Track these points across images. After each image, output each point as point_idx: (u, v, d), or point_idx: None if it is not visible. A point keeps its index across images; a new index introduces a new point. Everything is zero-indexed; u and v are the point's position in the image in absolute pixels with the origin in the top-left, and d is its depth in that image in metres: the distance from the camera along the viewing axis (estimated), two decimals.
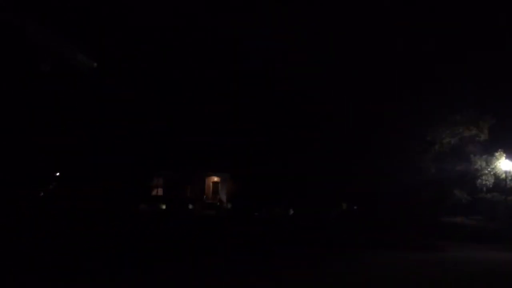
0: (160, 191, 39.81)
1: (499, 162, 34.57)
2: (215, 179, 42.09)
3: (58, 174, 34.76)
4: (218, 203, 40.64)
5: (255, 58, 34.93)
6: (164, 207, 36.63)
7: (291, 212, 38.79)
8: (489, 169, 35.23)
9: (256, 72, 35.79)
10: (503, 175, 34.08)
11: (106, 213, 30.18)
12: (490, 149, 35.45)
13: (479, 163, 35.45)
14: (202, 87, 36.28)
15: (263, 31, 32.69)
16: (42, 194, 32.91)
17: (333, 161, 35.96)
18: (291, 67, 34.65)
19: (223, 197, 40.93)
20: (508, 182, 33.69)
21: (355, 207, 40.79)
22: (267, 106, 36.13)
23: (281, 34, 32.79)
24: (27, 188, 30.38)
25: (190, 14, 33.12)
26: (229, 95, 36.58)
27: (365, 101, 34.96)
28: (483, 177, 35.26)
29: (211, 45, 34.83)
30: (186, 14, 32.94)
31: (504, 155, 34.30)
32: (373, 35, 34.38)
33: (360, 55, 34.63)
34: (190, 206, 37.81)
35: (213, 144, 37.00)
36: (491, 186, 35.13)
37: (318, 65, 33.83)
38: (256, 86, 36.03)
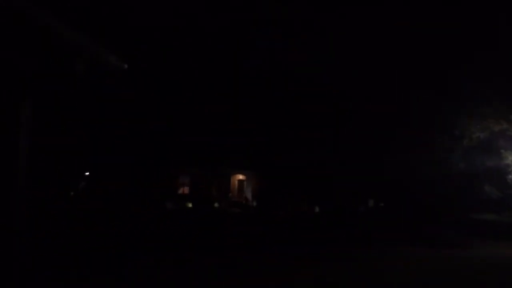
0: (186, 190, 40.26)
1: None
2: (241, 177, 42.26)
3: (87, 173, 35.69)
4: (244, 201, 40.79)
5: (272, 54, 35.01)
6: (190, 205, 36.96)
7: (317, 209, 38.63)
8: None
9: (280, 69, 35.89)
10: None
11: (133, 211, 30.76)
12: None
13: (510, 158, 34.52)
14: (224, 87, 36.59)
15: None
16: (72, 193, 33.81)
17: (359, 157, 35.74)
18: (310, 61, 34.52)
19: (249, 195, 41.08)
20: None
21: (381, 204, 40.37)
22: (291, 104, 36.11)
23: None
24: (58, 188, 31.23)
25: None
26: (251, 94, 36.78)
27: (391, 94, 34.54)
28: None
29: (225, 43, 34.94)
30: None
31: None
32: (396, 21, 33.78)
33: (384, 44, 34.17)
34: (216, 204, 38.07)
35: (239, 142, 37.24)
36: None
37: (340, 58, 33.58)
38: (279, 83, 36.07)
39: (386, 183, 37.15)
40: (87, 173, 36.31)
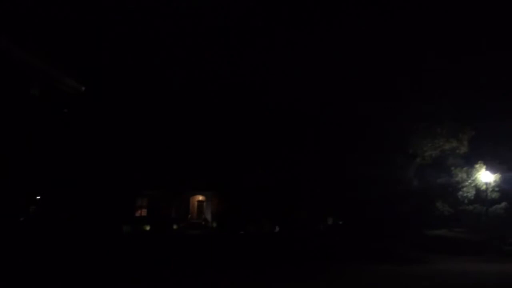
0: (144, 212, 39.19)
1: (479, 174, 35.08)
2: (200, 198, 41.64)
3: (38, 197, 34.00)
4: (203, 222, 40.18)
5: (240, 70, 35.34)
6: (148, 228, 35.99)
7: (277, 229, 38.60)
8: (469, 181, 35.75)
9: (240, 83, 36.13)
10: (484, 187, 34.53)
11: (87, 236, 29.58)
12: (470, 161, 36.04)
13: (460, 175, 36.02)
14: (184, 103, 36.32)
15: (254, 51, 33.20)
16: (22, 218, 32.05)
17: (318, 176, 36.21)
18: (276, 80, 35.11)
19: (208, 216, 40.49)
20: (489, 193, 34.17)
21: (340, 222, 40.88)
22: (249, 124, 36.28)
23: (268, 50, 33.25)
24: (6, 213, 29.60)
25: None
26: (210, 114, 36.73)
27: (348, 115, 35.48)
28: (464, 189, 35.78)
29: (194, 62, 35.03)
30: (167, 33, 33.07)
31: (484, 166, 34.81)
32: (358, 56, 35.11)
33: (345, 73, 35.28)
34: (175, 226, 37.27)
35: (198, 162, 36.91)
36: (472, 198, 35.60)
37: (306, 80, 34.32)
38: (238, 103, 36.24)
39: (344, 201, 37.76)
40: (38, 197, 34.62)
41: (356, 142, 36.45)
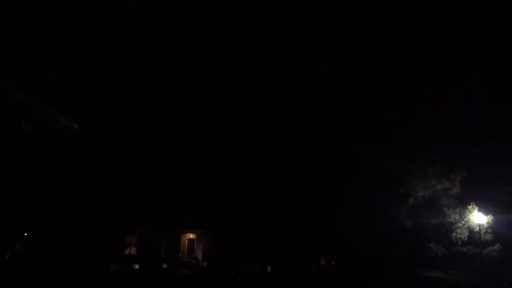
0: (133, 250, 38.36)
1: (472, 215, 34.91)
2: (191, 236, 40.94)
3: (26, 234, 33.42)
4: (194, 261, 39.34)
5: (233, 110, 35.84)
6: (137, 267, 35.16)
7: (269, 269, 37.89)
8: (462, 222, 35.52)
9: (233, 123, 36.52)
10: (477, 228, 34.22)
11: (74, 274, 28.86)
12: (463, 202, 35.98)
13: (453, 216, 35.84)
14: (175, 142, 36.48)
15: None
16: (8, 256, 31.34)
17: (312, 216, 35.94)
18: (269, 120, 35.54)
19: (199, 255, 39.68)
20: (482, 235, 33.91)
21: (333, 262, 40.26)
22: (241, 164, 36.34)
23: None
24: None
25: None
26: (203, 149, 36.85)
27: (342, 155, 35.66)
28: (458, 230, 35.52)
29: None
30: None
31: (477, 208, 34.71)
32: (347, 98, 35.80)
33: (338, 113, 35.78)
34: (164, 265, 36.45)
35: (188, 200, 36.65)
36: (465, 239, 35.31)
37: (300, 120, 34.75)
38: (230, 142, 36.46)
39: (337, 241, 37.35)
40: (25, 234, 34.00)
41: (348, 182, 36.43)
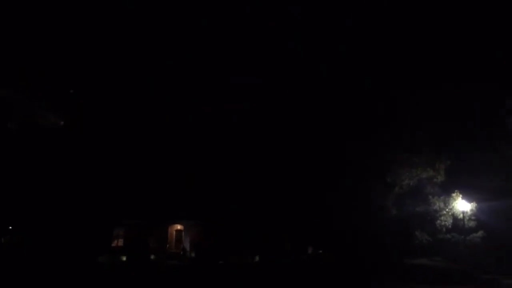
0: (121, 242, 38.13)
1: (456, 203, 35.64)
2: (179, 227, 40.81)
3: (11, 227, 33.03)
4: (182, 252, 39.27)
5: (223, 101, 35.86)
6: (124, 258, 34.98)
7: (257, 258, 38.05)
8: (447, 210, 36.26)
9: (223, 114, 36.50)
10: (461, 215, 35.01)
11: (61, 266, 28.61)
12: (447, 190, 36.59)
13: (438, 204, 36.49)
14: (163, 132, 36.30)
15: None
16: None
17: (298, 205, 36.13)
18: (259, 113, 35.61)
19: (187, 246, 39.62)
20: (466, 222, 34.63)
21: (320, 251, 40.59)
22: (230, 153, 36.30)
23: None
24: None
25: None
26: (191, 140, 36.72)
27: (329, 146, 35.87)
28: (442, 218, 36.22)
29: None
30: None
31: (460, 195, 35.40)
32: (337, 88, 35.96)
33: (326, 105, 35.98)
34: (152, 257, 36.32)
35: (176, 191, 36.54)
36: (450, 226, 36.03)
37: (288, 113, 34.86)
38: (219, 133, 36.39)
39: (325, 230, 37.64)
40: (10, 227, 33.59)
41: (336, 172, 36.67)
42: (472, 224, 35.19)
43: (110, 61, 31.67)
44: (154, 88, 33.94)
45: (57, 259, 30.00)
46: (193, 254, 38.72)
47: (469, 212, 35.08)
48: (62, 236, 32.00)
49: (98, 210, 33.13)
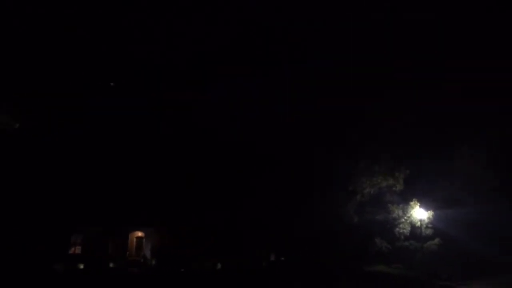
0: (78, 249, 36.95)
1: (414, 211, 36.62)
2: (139, 234, 39.97)
3: None
4: (142, 260, 38.48)
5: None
6: (82, 266, 33.97)
7: (219, 266, 37.78)
8: (405, 218, 37.19)
9: (187, 120, 36.28)
10: (418, 223, 36.04)
11: (13, 275, 27.52)
12: (406, 199, 37.55)
13: (397, 212, 37.38)
14: (124, 136, 35.72)
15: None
16: None
17: (262, 214, 36.21)
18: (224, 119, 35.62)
19: (148, 253, 38.85)
20: (423, 230, 35.63)
21: (282, 258, 40.72)
22: (193, 160, 36.08)
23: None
24: None
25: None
26: (153, 145, 36.29)
27: (290, 154, 36.21)
28: (401, 225, 37.13)
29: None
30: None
31: (418, 204, 36.43)
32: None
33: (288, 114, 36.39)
34: (111, 264, 35.43)
35: (136, 198, 35.89)
36: (408, 234, 36.95)
37: (253, 122, 35.03)
38: (183, 139, 36.14)
39: (287, 237, 37.83)
40: None
41: (299, 181, 36.99)
42: (429, 231, 36.23)
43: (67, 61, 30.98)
44: (111, 91, 33.37)
45: (11, 266, 28.85)
46: (154, 262, 38.03)
47: (426, 220, 36.13)
48: (16, 243, 30.77)
49: (54, 216, 32.08)
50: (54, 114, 30.19)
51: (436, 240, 35.90)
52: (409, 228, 36.85)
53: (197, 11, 38.02)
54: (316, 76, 36.89)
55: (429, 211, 36.21)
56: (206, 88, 36.22)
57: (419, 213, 36.01)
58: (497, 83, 37.51)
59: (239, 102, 36.17)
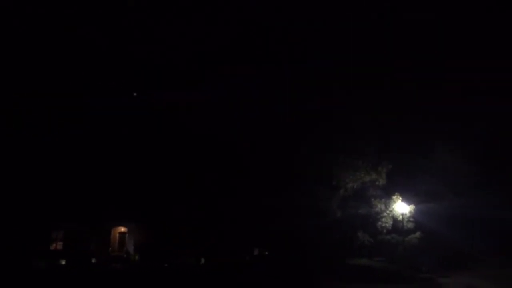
0: (59, 245, 36.50)
1: (396, 205, 37.03)
2: (122, 229, 39.66)
3: None
4: (125, 255, 38.23)
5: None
6: (63, 262, 33.61)
7: (203, 260, 37.78)
8: (387, 212, 37.52)
9: (166, 113, 36.04)
10: (400, 217, 36.46)
11: None
12: (388, 193, 37.93)
13: (379, 206, 37.71)
14: (105, 132, 35.42)
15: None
16: None
17: (245, 208, 36.24)
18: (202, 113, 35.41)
19: (131, 248, 38.59)
20: (405, 223, 36.09)
21: (266, 252, 40.89)
22: (175, 155, 35.94)
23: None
24: None
25: None
26: (134, 140, 36.05)
27: (274, 148, 36.24)
28: (383, 219, 37.45)
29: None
30: None
31: (400, 198, 36.84)
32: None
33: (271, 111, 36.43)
34: (94, 260, 35.14)
35: (118, 193, 35.61)
36: (390, 228, 37.33)
37: (233, 113, 34.93)
38: (164, 131, 35.91)
39: (270, 231, 37.97)
40: None
41: (282, 175, 37.10)
42: (410, 225, 36.66)
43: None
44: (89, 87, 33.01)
45: None
46: (137, 257, 37.84)
47: (407, 214, 36.55)
48: None
49: (34, 212, 31.63)
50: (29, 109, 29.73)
51: (417, 234, 36.35)
52: (391, 222, 37.22)
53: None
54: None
55: (410, 205, 36.65)
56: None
57: (401, 207, 36.43)
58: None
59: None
